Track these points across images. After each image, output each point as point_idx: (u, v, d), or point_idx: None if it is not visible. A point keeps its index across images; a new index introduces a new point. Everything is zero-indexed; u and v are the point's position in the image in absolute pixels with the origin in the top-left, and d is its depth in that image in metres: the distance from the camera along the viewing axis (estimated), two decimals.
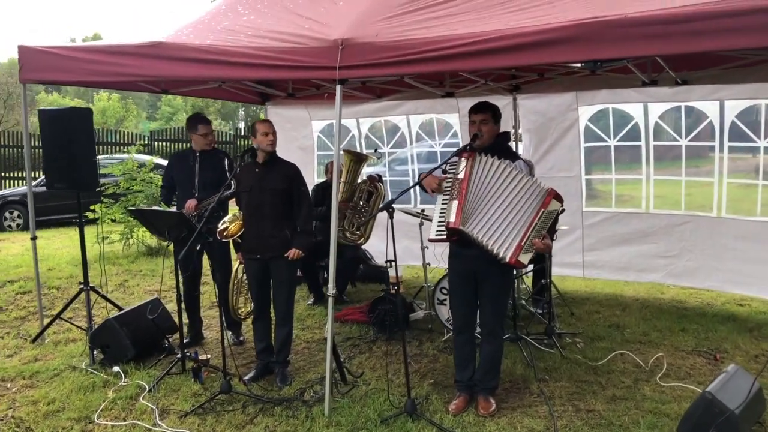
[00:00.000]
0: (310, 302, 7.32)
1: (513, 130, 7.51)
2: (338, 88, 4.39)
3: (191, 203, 5.57)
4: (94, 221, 10.22)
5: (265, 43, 4.66)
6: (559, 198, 4.13)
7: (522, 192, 4.13)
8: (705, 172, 6.70)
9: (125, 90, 6.21)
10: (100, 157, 16.66)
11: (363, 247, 7.66)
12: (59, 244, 11.50)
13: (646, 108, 6.80)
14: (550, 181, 7.09)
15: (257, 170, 4.96)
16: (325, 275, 7.65)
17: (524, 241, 4.10)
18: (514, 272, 6.05)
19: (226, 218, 5.11)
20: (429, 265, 6.52)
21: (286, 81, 7.04)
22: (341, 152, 7.44)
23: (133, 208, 5.72)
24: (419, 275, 7.21)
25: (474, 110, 4.37)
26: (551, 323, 5.79)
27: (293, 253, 4.89)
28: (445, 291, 5.77)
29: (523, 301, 6.37)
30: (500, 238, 4.14)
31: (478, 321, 4.56)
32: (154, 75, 5.11)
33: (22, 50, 5.62)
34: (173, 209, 5.81)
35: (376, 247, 7.98)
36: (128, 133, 25.46)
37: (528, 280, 7.00)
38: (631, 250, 7.18)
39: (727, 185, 6.51)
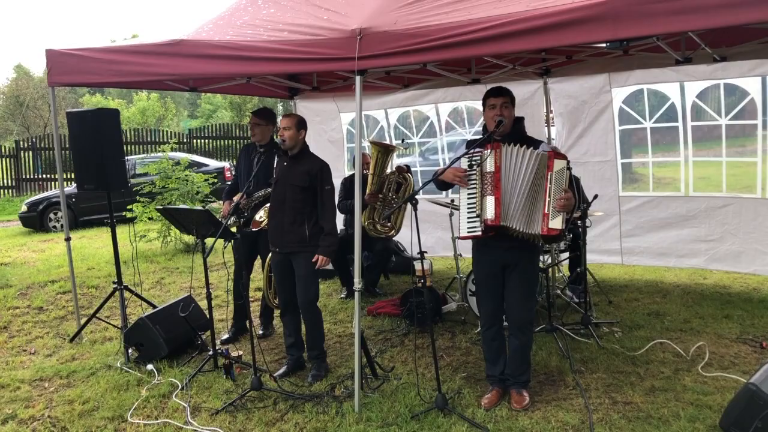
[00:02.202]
0: (342, 295, 7.28)
1: (545, 115, 7.34)
2: (358, 79, 4.31)
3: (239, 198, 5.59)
4: (132, 220, 10.38)
5: (284, 36, 4.61)
6: (560, 156, 4.02)
7: (535, 169, 4.01)
8: (748, 151, 6.44)
9: (154, 89, 6.24)
10: (138, 156, 16.98)
11: (395, 238, 7.58)
12: (100, 243, 11.74)
13: (682, 87, 6.55)
14: (584, 166, 7.01)
15: (285, 164, 4.94)
16: None
17: (546, 208, 3.97)
18: (548, 260, 5.95)
19: (261, 211, 5.11)
20: (461, 255, 6.40)
21: (311, 74, 6.99)
22: (368, 144, 7.38)
23: (160, 207, 5.72)
24: (452, 266, 7.11)
25: (494, 94, 4.21)
26: (587, 312, 5.63)
27: (319, 261, 4.80)
28: (475, 279, 5.67)
29: (558, 291, 6.20)
30: (531, 219, 4.03)
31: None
32: (176, 73, 5.09)
33: (50, 54, 5.67)
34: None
35: (409, 238, 7.87)
36: (167, 131, 25.84)
37: (564, 269, 6.83)
38: (670, 234, 6.95)
39: None
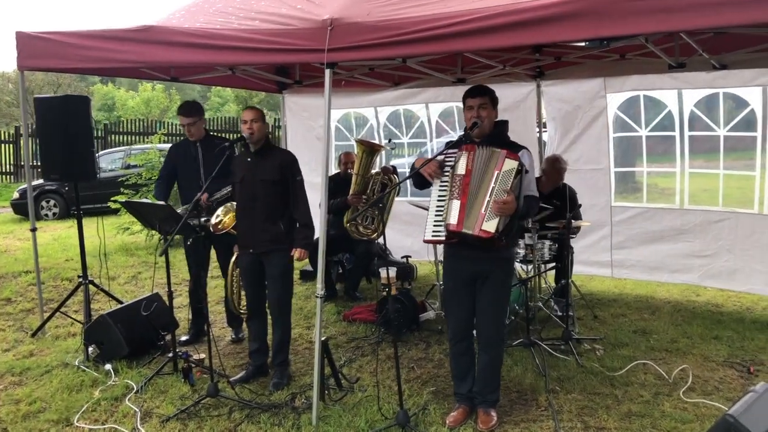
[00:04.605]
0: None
1: (537, 119, 7.09)
2: (327, 72, 4.06)
3: (202, 197, 5.33)
4: (116, 212, 10.17)
5: (254, 25, 4.38)
6: (512, 156, 3.71)
7: (485, 165, 3.76)
8: (746, 165, 6.15)
9: (130, 77, 6.07)
10: (121, 148, 16.76)
11: (379, 240, 7.33)
12: (87, 234, 11.48)
13: (680, 95, 6.26)
14: (576, 174, 6.72)
15: (249, 159, 4.70)
16: (339, 270, 7.39)
17: (484, 208, 3.71)
18: (531, 270, 5.68)
19: (219, 210, 4.88)
20: (441, 262, 6.13)
21: (292, 66, 6.74)
22: (354, 142, 7.14)
23: (123, 200, 5.51)
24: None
25: (471, 94, 3.97)
26: (569, 327, 5.35)
27: (298, 253, 4.67)
28: (444, 290, 5.41)
29: (540, 303, 5.93)
30: (470, 217, 3.76)
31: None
32: (143, 60, 4.86)
33: (19, 36, 5.46)
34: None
35: (395, 241, 7.65)
36: (172, 123, 25.63)
37: (551, 279, 6.55)
38: (663, 248, 6.66)
39: None
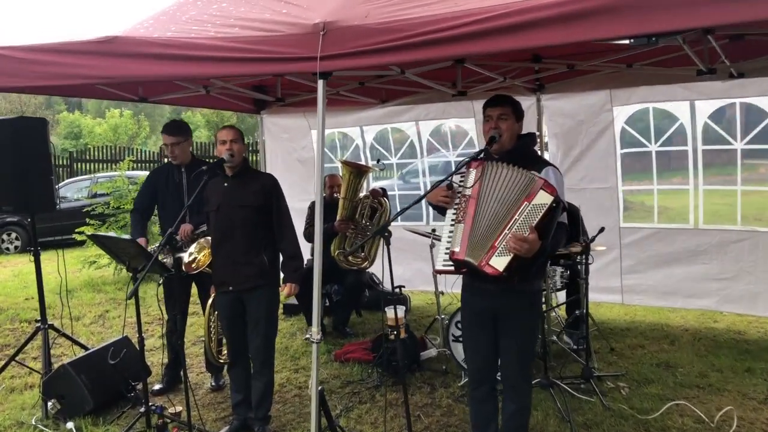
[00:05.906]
0: (307, 336, 6.41)
1: (538, 136, 6.62)
2: (320, 83, 3.54)
3: (187, 228, 4.75)
4: (81, 243, 9.48)
5: (234, 33, 3.83)
6: (549, 189, 3.10)
7: (514, 192, 3.17)
8: (766, 179, 5.72)
9: (95, 97, 5.56)
10: (84, 177, 16.04)
11: (370, 270, 6.76)
12: (49, 269, 10.74)
13: (693, 107, 5.82)
14: (581, 194, 6.23)
15: (226, 185, 4.14)
16: (326, 303, 6.80)
17: (498, 241, 3.14)
18: (544, 305, 5.17)
19: (192, 247, 4.30)
20: (443, 293, 5.60)
21: (273, 83, 6.20)
22: (340, 164, 6.61)
23: (90, 233, 4.90)
24: (434, 302, 6.30)
25: (491, 104, 3.45)
26: (589, 364, 4.84)
27: (288, 288, 4.21)
28: (461, 327, 4.85)
29: (555, 336, 5.41)
30: (479, 247, 3.21)
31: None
32: (107, 75, 4.23)
33: None
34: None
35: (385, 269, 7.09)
36: (142, 150, 24.88)
37: (561, 310, 6.05)
38: (677, 272, 6.18)
39: None
